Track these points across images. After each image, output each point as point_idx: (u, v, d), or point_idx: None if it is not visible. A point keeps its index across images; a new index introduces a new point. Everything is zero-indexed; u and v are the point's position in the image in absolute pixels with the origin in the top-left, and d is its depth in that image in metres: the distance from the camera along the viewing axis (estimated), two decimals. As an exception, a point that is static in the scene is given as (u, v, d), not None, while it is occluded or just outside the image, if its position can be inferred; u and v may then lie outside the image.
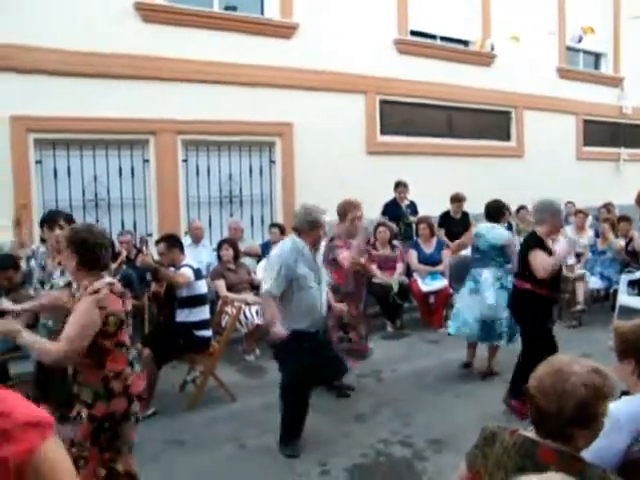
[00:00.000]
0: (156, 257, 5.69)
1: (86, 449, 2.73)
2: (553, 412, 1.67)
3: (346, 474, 3.91)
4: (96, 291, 2.76)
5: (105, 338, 2.76)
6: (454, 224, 8.26)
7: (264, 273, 4.10)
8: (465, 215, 8.53)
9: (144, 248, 5.40)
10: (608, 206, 9.73)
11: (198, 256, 6.91)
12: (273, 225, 7.86)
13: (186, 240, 7.39)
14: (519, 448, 1.71)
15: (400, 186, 8.49)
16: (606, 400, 1.71)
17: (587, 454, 1.77)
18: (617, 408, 2.04)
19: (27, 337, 2.75)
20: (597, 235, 8.36)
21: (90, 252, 2.87)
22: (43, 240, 4.25)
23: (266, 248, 7.64)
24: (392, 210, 8.38)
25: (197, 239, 7.43)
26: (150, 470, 3.92)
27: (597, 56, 12.84)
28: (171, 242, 5.32)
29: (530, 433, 1.77)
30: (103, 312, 2.74)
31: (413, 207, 8.58)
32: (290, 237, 4.29)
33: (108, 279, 2.90)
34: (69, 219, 4.05)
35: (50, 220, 3.89)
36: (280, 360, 4.28)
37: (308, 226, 4.18)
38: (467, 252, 7.99)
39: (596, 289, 8.14)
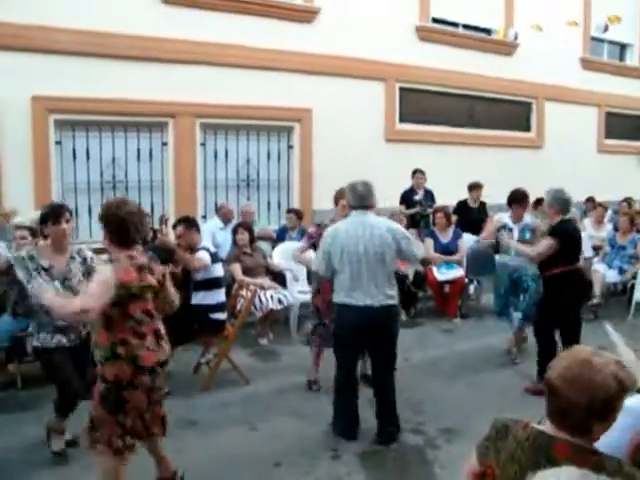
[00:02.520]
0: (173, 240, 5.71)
1: (98, 409, 2.94)
2: (582, 404, 1.63)
3: (357, 460, 3.92)
4: (115, 260, 2.93)
5: (112, 307, 2.87)
6: (471, 213, 8.20)
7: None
8: (483, 204, 8.47)
9: (163, 227, 5.41)
10: (629, 200, 9.62)
11: (228, 237, 6.99)
12: (290, 211, 7.86)
13: (216, 222, 7.48)
14: (533, 442, 1.69)
15: (417, 173, 8.45)
16: (627, 393, 1.69)
17: (604, 448, 1.76)
18: (639, 406, 2.02)
19: (49, 294, 2.97)
20: (616, 229, 8.26)
21: (118, 227, 2.97)
22: (43, 236, 3.96)
23: (282, 233, 7.65)
24: (410, 198, 8.35)
25: (228, 221, 7.48)
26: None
27: (622, 47, 12.61)
28: (189, 223, 5.35)
29: (544, 427, 1.75)
30: (116, 282, 2.85)
31: (430, 195, 8.53)
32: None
33: (130, 252, 2.98)
34: (70, 213, 3.94)
35: (55, 215, 3.78)
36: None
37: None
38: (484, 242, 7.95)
39: (613, 283, 8.06)
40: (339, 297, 4.16)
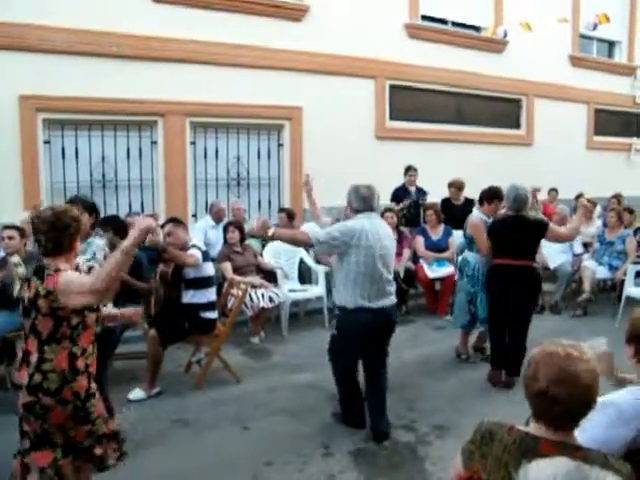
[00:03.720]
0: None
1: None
2: (585, 402, 1.64)
3: (349, 457, 3.93)
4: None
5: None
6: (455, 210, 8.17)
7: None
8: (468, 202, 8.37)
9: None
10: (618, 197, 9.67)
11: (219, 235, 7.00)
12: (281, 210, 7.84)
13: (207, 220, 7.45)
14: (519, 445, 1.69)
15: (410, 170, 8.46)
16: None
17: (592, 443, 1.77)
18: (625, 401, 2.02)
19: None
20: (605, 225, 8.31)
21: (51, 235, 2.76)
22: None
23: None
24: (402, 195, 8.35)
25: (219, 219, 7.44)
26: (154, 448, 3.99)
27: (611, 44, 12.67)
28: (176, 222, 5.33)
29: (529, 429, 1.75)
30: None
31: (422, 193, 8.53)
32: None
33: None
34: (87, 206, 3.93)
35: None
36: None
37: None
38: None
39: (603, 279, 8.10)
40: (354, 300, 4.02)
